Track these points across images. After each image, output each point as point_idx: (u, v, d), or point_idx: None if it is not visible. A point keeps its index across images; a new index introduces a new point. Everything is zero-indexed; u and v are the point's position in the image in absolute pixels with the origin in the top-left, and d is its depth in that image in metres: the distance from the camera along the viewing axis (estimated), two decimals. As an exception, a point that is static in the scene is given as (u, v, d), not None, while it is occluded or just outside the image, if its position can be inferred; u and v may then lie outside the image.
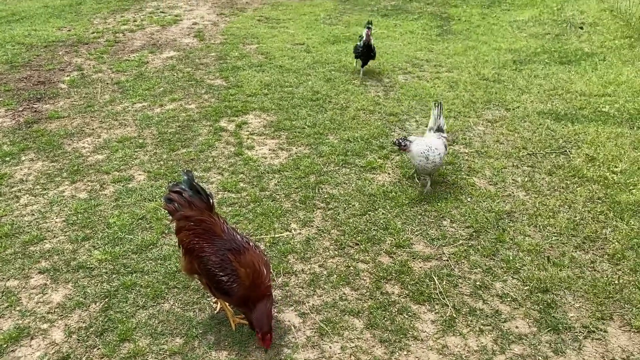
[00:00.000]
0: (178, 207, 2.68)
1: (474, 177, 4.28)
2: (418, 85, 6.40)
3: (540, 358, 2.54)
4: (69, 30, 8.89)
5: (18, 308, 2.93)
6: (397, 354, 2.59)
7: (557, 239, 3.47)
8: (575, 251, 3.35)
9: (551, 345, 2.61)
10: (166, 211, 2.79)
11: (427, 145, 3.83)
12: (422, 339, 2.67)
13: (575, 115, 5.42)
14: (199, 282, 2.83)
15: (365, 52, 6.52)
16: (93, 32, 8.96)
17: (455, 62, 7.30)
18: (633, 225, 3.57)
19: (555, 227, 3.59)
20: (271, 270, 2.74)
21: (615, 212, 3.73)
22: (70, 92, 6.26)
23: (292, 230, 3.60)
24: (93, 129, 5.26)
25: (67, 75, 6.84)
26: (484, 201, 3.91)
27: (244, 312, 2.62)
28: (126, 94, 6.20)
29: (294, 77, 6.72)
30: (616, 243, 3.41)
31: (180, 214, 2.67)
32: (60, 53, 7.75)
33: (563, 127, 5.15)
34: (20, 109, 5.79)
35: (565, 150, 4.69)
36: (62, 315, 2.88)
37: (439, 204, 3.88)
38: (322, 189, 4.13)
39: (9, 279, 3.16)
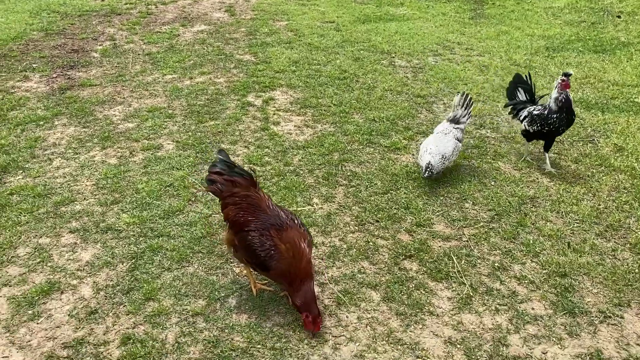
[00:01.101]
0: (221, 187, 2.74)
1: (499, 162, 4.27)
2: (448, 68, 6.36)
3: (554, 339, 2.56)
4: (102, 1, 9.01)
5: (49, 264, 3.05)
6: (413, 327, 2.64)
7: (579, 226, 3.46)
8: (597, 239, 3.34)
9: (566, 327, 2.63)
10: (211, 192, 2.85)
11: (423, 149, 3.83)
12: (437, 315, 2.71)
13: (606, 105, 5.34)
14: (233, 256, 2.88)
15: (563, 120, 3.97)
16: (126, 3, 9.06)
17: (487, 47, 7.21)
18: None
19: (577, 214, 3.58)
20: (313, 249, 2.79)
21: (643, 204, 3.70)
22: (103, 61, 6.37)
23: (314, 205, 3.66)
24: (124, 98, 5.37)
25: (100, 45, 6.96)
26: (507, 185, 3.91)
27: (284, 288, 2.70)
28: (157, 65, 6.29)
29: (322, 55, 6.73)
30: (639, 232, 3.40)
31: (226, 192, 2.73)
32: (93, 22, 7.87)
33: (592, 116, 5.09)
34: (54, 75, 5.92)
35: (593, 139, 4.64)
36: (90, 273, 2.99)
37: (462, 186, 3.89)
38: (345, 166, 4.17)
39: (41, 237, 3.29)
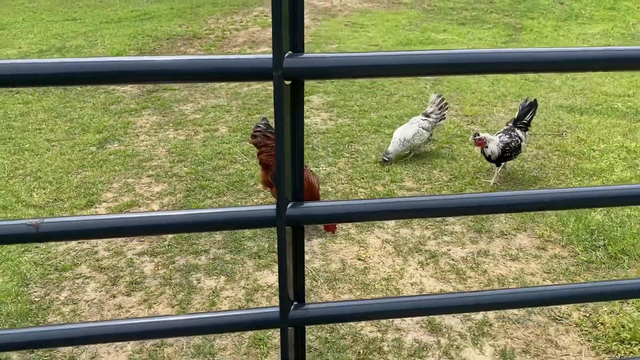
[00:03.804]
0: (260, 140, 4.10)
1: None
2: (463, 80, 7.48)
3: (459, 244, 3.68)
4: (187, 27, 10.87)
5: (132, 192, 4.53)
6: (364, 233, 3.85)
7: (515, 186, 4.52)
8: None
9: (470, 239, 3.74)
10: (252, 144, 4.21)
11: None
12: (384, 228, 3.91)
13: (588, 109, 6.28)
14: (270, 193, 4.21)
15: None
16: (206, 30, 10.86)
17: (505, 65, 8.24)
18: (580, 182, 4.53)
19: (519, 180, 4.63)
20: (319, 183, 4.10)
21: (575, 174, 4.70)
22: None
23: (320, 167, 4.95)
24: (195, 98, 6.94)
25: (182, 61, 8.67)
26: (472, 161, 5.02)
27: None
28: (224, 75, 7.86)
29: (359, 70, 8.04)
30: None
31: (262, 142, 4.08)
32: (178, 44, 9.67)
33: (571, 118, 6.06)
34: (145, 82, 7.63)
35: (562, 133, 5.64)
36: (159, 198, 4.43)
37: (436, 160, 5.05)
38: (352, 146, 5.43)
39: (128, 178, 4.79)
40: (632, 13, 12.04)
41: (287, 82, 1.20)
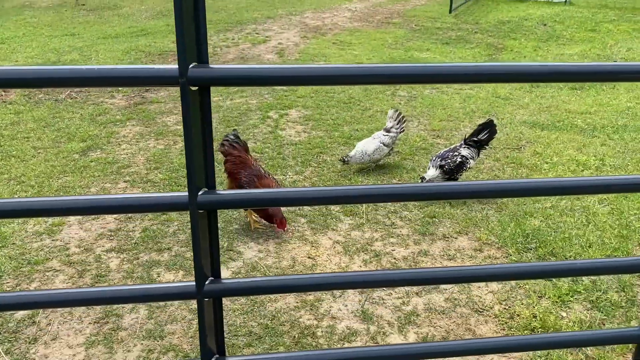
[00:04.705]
0: (226, 149, 4.42)
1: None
2: (437, 98, 7.83)
3: (403, 245, 3.97)
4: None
5: (108, 196, 4.84)
6: (317, 235, 4.15)
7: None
8: (474, 202, 4.69)
9: (414, 241, 4.04)
10: (220, 152, 4.53)
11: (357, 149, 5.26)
12: (337, 230, 4.20)
13: (549, 125, 6.61)
14: None
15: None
16: (198, 46, 11.26)
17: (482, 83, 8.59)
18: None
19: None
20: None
21: (524, 184, 4.99)
22: (170, 87, 8.40)
23: (287, 175, 5.26)
24: (178, 110, 7.29)
25: (171, 75, 9.04)
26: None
27: (261, 216, 4.25)
28: (209, 90, 8.22)
29: (340, 86, 8.41)
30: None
31: (228, 152, 4.40)
32: (169, 60, 10.06)
33: (532, 133, 6.38)
34: (133, 95, 7.99)
35: (521, 147, 5.95)
36: (131, 202, 4.74)
37: (397, 170, 5.36)
38: (320, 156, 5.75)
39: (105, 183, 5.10)
40: (612, 35, 12.44)
41: (194, 88, 1.53)
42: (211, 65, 1.55)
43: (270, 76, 1.66)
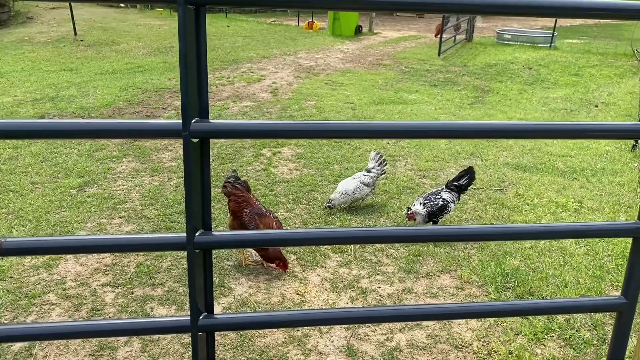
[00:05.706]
0: (229, 190, 4.61)
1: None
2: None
3: (389, 282, 4.14)
4: (176, 81, 11.58)
5: (104, 232, 5.00)
6: (306, 271, 4.31)
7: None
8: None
9: (399, 278, 4.21)
10: (223, 194, 4.72)
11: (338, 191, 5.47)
12: (325, 267, 4.37)
13: (531, 168, 6.87)
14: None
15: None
16: (193, 84, 11.56)
17: (466, 125, 8.91)
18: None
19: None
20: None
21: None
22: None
23: (278, 213, 5.44)
24: (174, 147, 7.50)
25: (167, 113, 9.30)
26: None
27: (261, 255, 4.41)
28: (203, 127, 8.47)
29: (331, 125, 8.68)
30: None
31: (231, 192, 4.59)
32: (165, 97, 10.34)
33: (515, 174, 6.63)
34: (130, 131, 8.20)
35: (503, 189, 6.19)
36: (127, 237, 4.90)
37: (385, 209, 5.56)
38: (311, 194, 5.95)
39: (102, 218, 5.26)
40: (594, 79, 12.91)
41: (195, 140, 1.75)
42: (211, 120, 1.78)
43: (263, 130, 1.91)
